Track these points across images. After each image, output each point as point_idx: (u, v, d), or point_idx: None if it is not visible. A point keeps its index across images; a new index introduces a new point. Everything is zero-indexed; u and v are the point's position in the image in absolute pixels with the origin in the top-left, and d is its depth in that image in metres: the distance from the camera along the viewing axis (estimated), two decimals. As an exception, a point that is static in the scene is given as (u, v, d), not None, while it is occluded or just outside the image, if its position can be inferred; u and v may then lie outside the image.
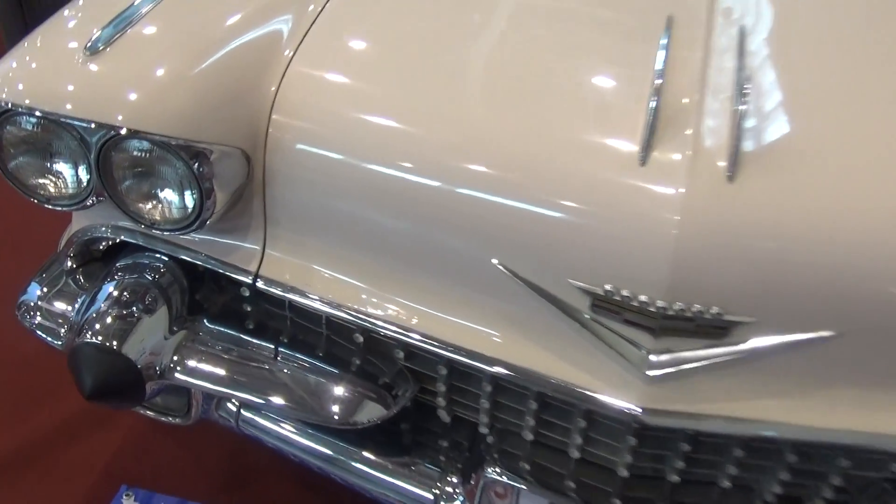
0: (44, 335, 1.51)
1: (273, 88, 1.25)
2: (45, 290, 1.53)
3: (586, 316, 1.12)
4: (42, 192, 1.30)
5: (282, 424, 1.51)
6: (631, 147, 1.08)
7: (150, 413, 1.61)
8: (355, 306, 1.30)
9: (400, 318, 1.27)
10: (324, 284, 1.33)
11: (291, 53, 1.25)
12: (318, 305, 1.32)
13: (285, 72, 1.24)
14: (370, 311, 1.29)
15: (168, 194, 1.25)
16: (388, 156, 1.18)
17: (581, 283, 1.10)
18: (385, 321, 1.28)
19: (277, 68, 1.24)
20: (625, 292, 1.07)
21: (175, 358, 1.41)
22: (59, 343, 1.49)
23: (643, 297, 1.05)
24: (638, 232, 1.03)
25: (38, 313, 1.51)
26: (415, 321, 1.27)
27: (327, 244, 1.30)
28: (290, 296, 1.33)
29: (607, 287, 1.08)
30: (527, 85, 1.17)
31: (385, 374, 1.39)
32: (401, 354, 1.34)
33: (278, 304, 1.40)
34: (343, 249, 1.30)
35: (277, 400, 1.37)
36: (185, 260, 1.40)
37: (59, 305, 1.52)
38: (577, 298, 1.11)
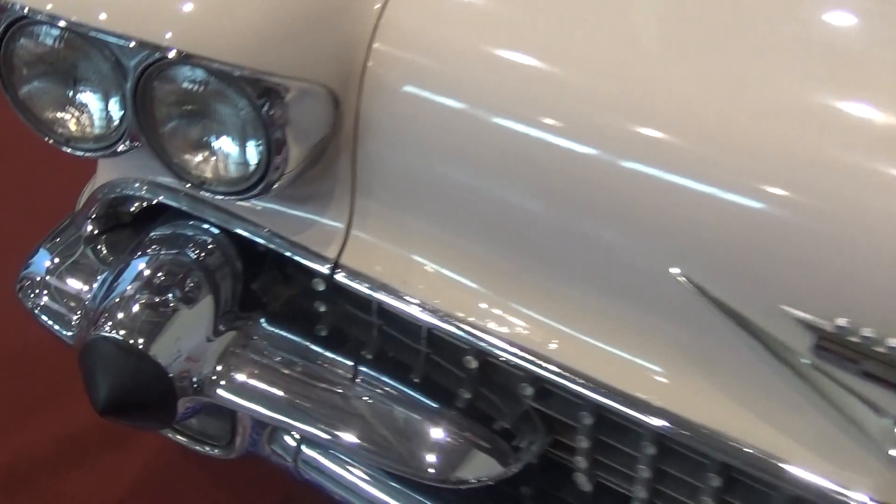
0: (49, 321, 1.56)
1: (377, 7, 1.28)
2: (56, 260, 1.59)
3: (804, 361, 1.11)
4: (60, 131, 1.35)
5: (355, 471, 1.55)
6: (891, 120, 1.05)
7: (180, 438, 1.65)
8: (469, 318, 1.32)
9: (531, 340, 1.28)
10: (427, 283, 1.35)
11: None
12: (416, 312, 1.35)
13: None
14: (490, 325, 1.30)
15: (225, 144, 1.28)
16: (531, 109, 1.19)
17: (801, 314, 1.08)
18: (510, 342, 1.29)
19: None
20: (867, 332, 1.04)
21: (219, 368, 1.46)
22: (69, 334, 1.54)
23: (894, 342, 1.00)
24: (894, 242, 1.02)
25: (45, 292, 1.58)
26: (552, 346, 1.28)
27: (436, 227, 1.33)
28: (380, 295, 1.36)
29: (840, 322, 1.06)
30: (737, 25, 1.17)
31: (505, 416, 1.40)
32: (529, 391, 1.35)
33: (363, 306, 1.44)
34: (457, 236, 1.32)
35: (351, 438, 1.40)
36: (240, 235, 1.44)
37: (73, 283, 1.58)
38: (794, 334, 1.09)
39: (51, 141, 1.35)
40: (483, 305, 1.33)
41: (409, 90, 1.27)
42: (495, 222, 1.28)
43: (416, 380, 1.46)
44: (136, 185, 1.48)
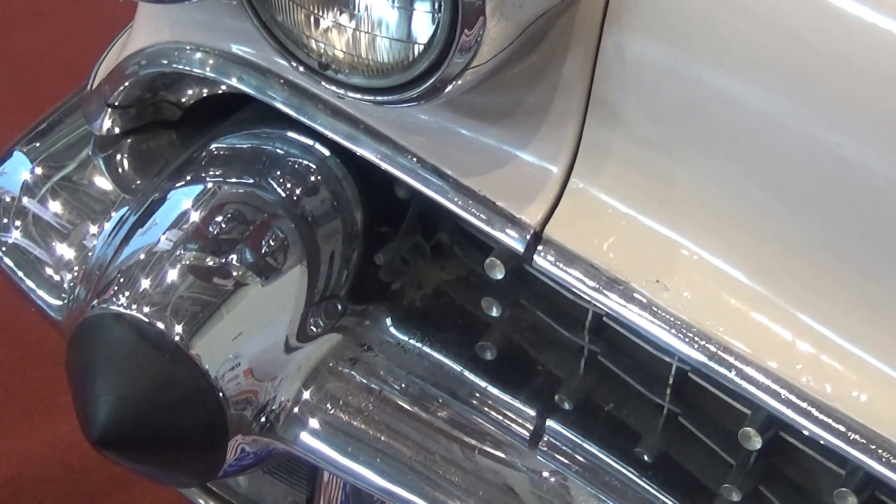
0: (22, 277, 1.59)
1: None
2: (40, 172, 1.62)
3: None
4: None
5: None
6: None
7: (215, 506, 1.64)
8: (765, 359, 1.30)
9: (870, 409, 1.27)
10: (699, 289, 1.35)
11: None
12: (675, 341, 1.33)
13: None
14: (801, 377, 1.29)
15: (376, 2, 1.26)
16: None
17: None
18: (830, 410, 1.28)
19: None
20: None
21: (306, 395, 1.46)
22: (55, 303, 1.55)
23: None
24: None
25: (17, 224, 1.60)
26: None
27: (731, 185, 1.32)
28: (607, 298, 1.35)
29: None
30: None
31: None
32: (851, 502, 1.34)
33: (569, 313, 1.46)
34: (770, 212, 1.32)
35: None
36: (369, 166, 1.45)
37: (67, 216, 1.59)
38: None
39: None
40: (791, 338, 1.32)
41: None
42: (839, 186, 1.26)
43: (647, 457, 1.44)
44: (199, 56, 1.49)
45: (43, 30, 2.96)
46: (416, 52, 1.27)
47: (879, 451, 1.27)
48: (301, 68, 1.33)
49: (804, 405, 1.30)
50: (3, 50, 3.00)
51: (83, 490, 2.29)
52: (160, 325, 1.38)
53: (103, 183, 1.59)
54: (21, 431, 2.35)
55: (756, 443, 1.37)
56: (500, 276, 1.45)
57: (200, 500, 1.60)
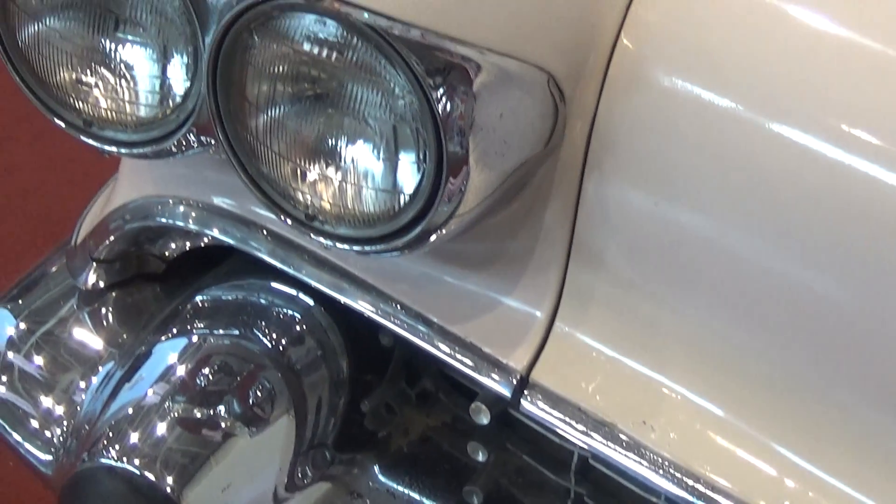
0: (11, 432, 1.56)
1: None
2: (24, 328, 1.61)
3: None
4: (81, 106, 1.34)
5: None
6: None
7: None
8: (756, 500, 1.30)
9: None
10: (685, 430, 1.33)
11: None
12: (663, 482, 1.32)
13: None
14: None
15: (361, 154, 1.26)
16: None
17: None
18: None
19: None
20: None
21: None
22: (46, 458, 1.54)
23: None
24: None
25: (4, 377, 1.58)
26: None
27: (716, 328, 1.32)
28: (594, 440, 1.34)
29: None
30: None
31: None
32: None
33: (555, 456, 1.45)
34: (758, 353, 1.31)
35: None
36: (354, 316, 1.44)
37: (55, 372, 1.57)
38: None
39: (62, 123, 1.34)
40: (782, 477, 1.31)
41: (689, 91, 1.26)
42: (823, 326, 1.26)
43: None
44: (182, 209, 1.49)
45: (13, 184, 2.95)
46: (402, 202, 1.26)
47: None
48: (288, 220, 1.32)
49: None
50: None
51: None
52: (151, 477, 1.38)
53: (89, 337, 1.59)
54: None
55: None
56: (485, 422, 1.43)
57: None
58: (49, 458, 1.56)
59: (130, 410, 1.44)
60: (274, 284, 1.53)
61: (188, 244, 1.57)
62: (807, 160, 1.22)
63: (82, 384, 1.57)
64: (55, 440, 1.56)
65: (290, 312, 1.52)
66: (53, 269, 1.67)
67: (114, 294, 1.61)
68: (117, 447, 1.40)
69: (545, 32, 1.26)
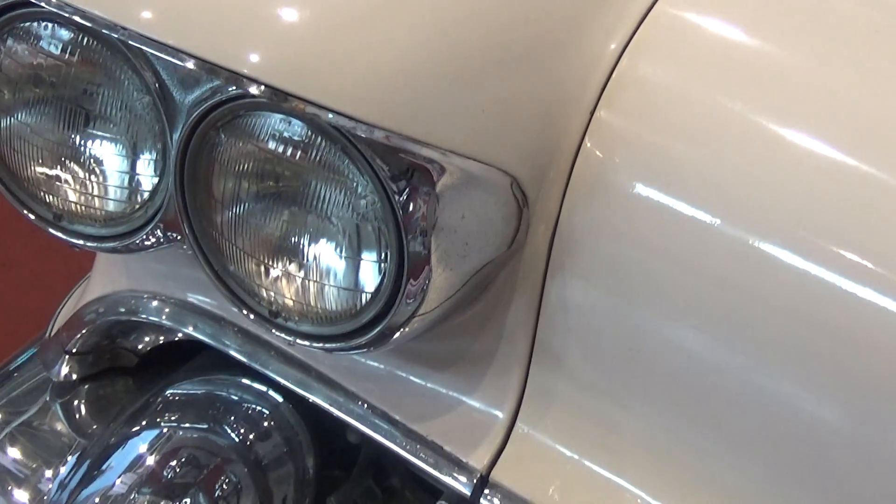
0: None
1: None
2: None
3: None
4: (51, 200, 1.36)
5: None
6: None
7: None
8: None
9: None
10: None
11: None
12: None
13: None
14: None
15: (325, 252, 1.26)
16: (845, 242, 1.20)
17: None
18: None
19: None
20: None
21: None
22: None
23: None
24: None
25: None
26: None
27: (676, 432, 1.32)
28: None
29: None
30: None
31: None
32: None
33: None
34: (719, 457, 1.31)
35: None
36: (320, 413, 1.44)
37: (26, 462, 1.57)
38: None
39: (32, 216, 1.36)
40: None
41: (651, 197, 1.27)
42: (779, 431, 1.26)
43: None
44: (155, 304, 1.51)
45: (10, 279, 2.96)
46: (363, 301, 1.27)
47: None
48: (252, 316, 1.33)
49: None
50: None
51: None
52: None
53: (61, 428, 1.60)
54: None
55: None
56: None
57: None
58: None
59: (97, 500, 1.43)
60: (243, 380, 1.54)
61: (161, 339, 1.59)
62: (765, 269, 1.22)
63: (48, 473, 1.57)
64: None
65: (258, 408, 1.53)
66: (30, 361, 1.69)
67: (86, 386, 1.62)
68: (83, 544, 1.39)
69: (509, 135, 1.28)
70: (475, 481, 1.37)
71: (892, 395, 1.19)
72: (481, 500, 1.36)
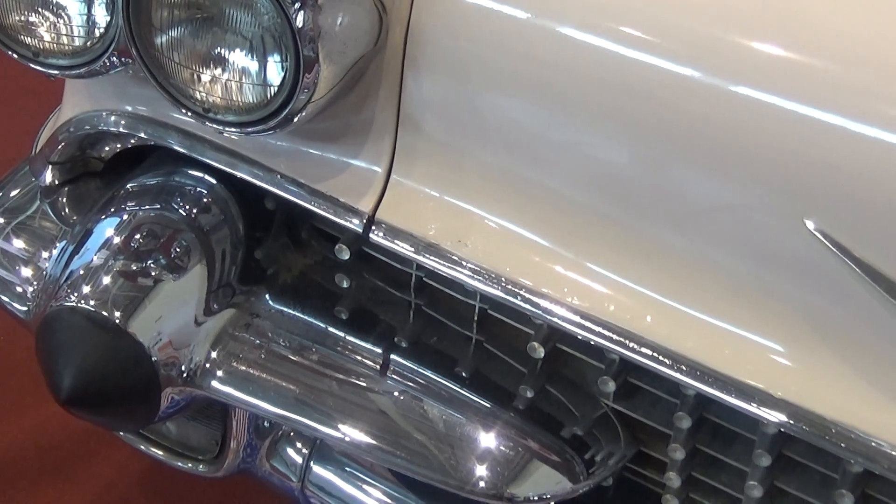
0: None
1: None
2: (1, 219, 1.71)
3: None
4: (29, 41, 1.45)
5: (379, 489, 1.64)
6: None
7: (155, 451, 1.74)
8: (542, 287, 1.38)
9: (620, 315, 1.35)
10: (489, 243, 1.43)
11: None
12: (475, 281, 1.42)
13: None
14: (567, 296, 1.37)
15: (240, 59, 1.38)
16: (628, 22, 1.26)
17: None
18: (591, 318, 1.35)
19: None
20: None
21: (214, 354, 1.56)
22: (23, 308, 1.65)
23: None
24: None
25: None
26: (647, 320, 1.34)
27: (502, 169, 1.41)
28: (428, 259, 1.44)
29: None
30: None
31: (576, 420, 1.48)
32: (609, 387, 1.40)
33: (397, 281, 1.53)
34: (530, 181, 1.40)
35: (381, 443, 1.48)
36: (245, 186, 1.54)
37: (27, 247, 1.69)
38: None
39: (15, 55, 1.43)
40: (559, 269, 1.39)
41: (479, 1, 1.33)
42: (577, 163, 1.35)
43: (464, 374, 1.55)
44: (113, 118, 1.58)
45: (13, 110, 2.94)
46: (271, 93, 1.37)
47: (626, 341, 1.37)
48: (189, 114, 1.43)
49: (574, 317, 1.38)
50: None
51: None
52: (104, 313, 1.50)
53: (50, 222, 1.71)
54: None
55: (539, 352, 1.47)
56: (346, 257, 1.56)
57: (142, 446, 1.71)
58: (25, 308, 1.68)
59: (82, 270, 1.55)
60: (186, 169, 1.62)
61: (118, 146, 1.67)
62: (566, 46, 1.30)
63: (45, 255, 1.68)
64: (28, 296, 1.67)
65: (198, 189, 1.62)
66: (19, 173, 1.77)
67: (66, 188, 1.71)
68: (76, 294, 1.52)
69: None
70: (364, 221, 1.48)
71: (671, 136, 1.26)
72: (370, 235, 1.47)
